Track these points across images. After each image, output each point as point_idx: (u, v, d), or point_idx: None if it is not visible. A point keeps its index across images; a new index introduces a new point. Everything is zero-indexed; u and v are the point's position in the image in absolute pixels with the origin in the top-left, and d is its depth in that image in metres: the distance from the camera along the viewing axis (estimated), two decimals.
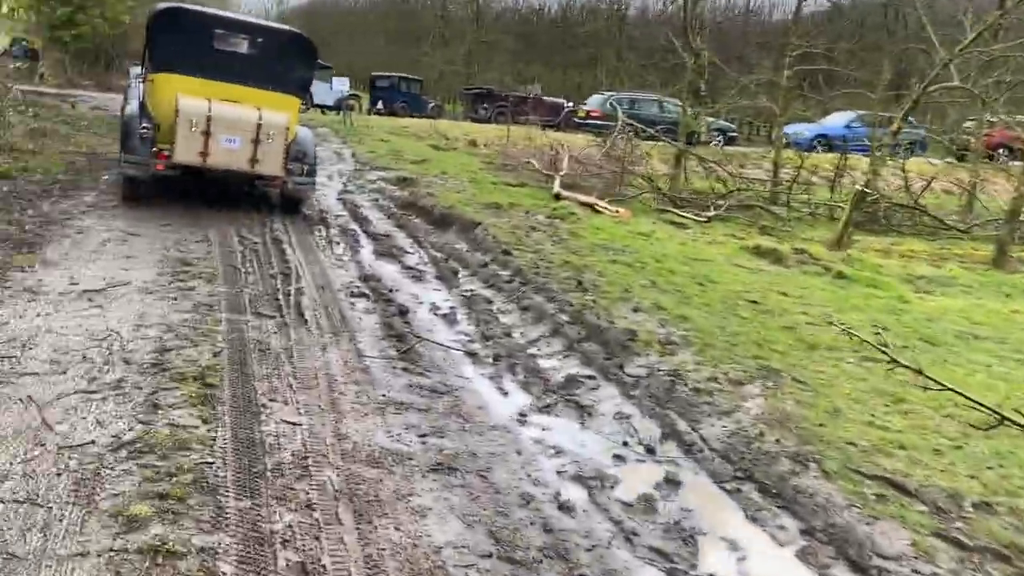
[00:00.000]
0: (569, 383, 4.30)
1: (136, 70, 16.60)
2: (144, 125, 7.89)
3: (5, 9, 28.32)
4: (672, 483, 3.33)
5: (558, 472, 3.39)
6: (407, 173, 12.31)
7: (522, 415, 3.94)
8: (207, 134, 7.57)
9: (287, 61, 8.34)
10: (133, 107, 8.29)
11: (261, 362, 4.22)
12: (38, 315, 4.58)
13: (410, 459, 3.34)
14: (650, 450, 3.64)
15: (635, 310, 5.29)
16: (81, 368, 3.88)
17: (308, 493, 2.98)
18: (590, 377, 4.39)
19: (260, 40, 8.22)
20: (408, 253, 7.32)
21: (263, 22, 8.15)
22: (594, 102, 25.72)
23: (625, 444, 3.68)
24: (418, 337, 4.90)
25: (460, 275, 6.52)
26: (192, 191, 8.69)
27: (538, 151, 17.88)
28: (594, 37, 36.81)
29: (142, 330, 4.49)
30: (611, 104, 24.50)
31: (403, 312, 5.32)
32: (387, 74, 31.44)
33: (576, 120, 26.31)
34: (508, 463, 3.42)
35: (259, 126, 7.72)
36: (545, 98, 30.61)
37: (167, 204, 8.32)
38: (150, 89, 8.26)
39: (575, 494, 3.20)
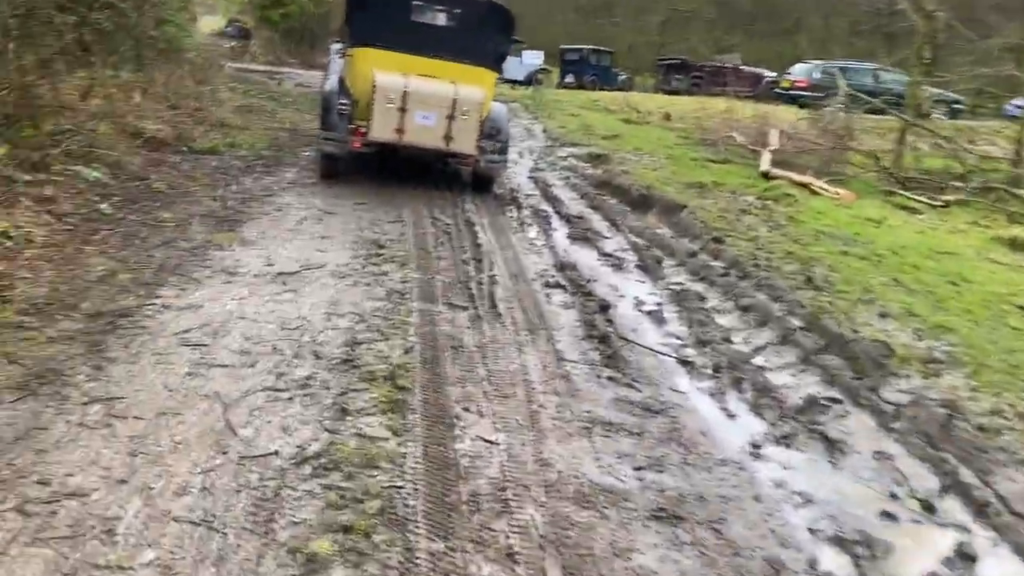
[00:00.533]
0: (810, 407, 3.59)
1: (336, 46, 17.06)
2: (342, 101, 7.79)
3: None
4: (966, 558, 2.59)
5: (810, 530, 2.73)
6: (599, 149, 11.73)
7: (755, 446, 3.29)
8: (403, 110, 7.35)
9: (484, 33, 7.96)
10: (332, 83, 8.23)
11: (454, 362, 3.83)
12: (232, 299, 4.44)
13: (626, 500, 2.80)
14: (928, 507, 2.89)
15: (882, 315, 4.45)
16: (270, 361, 3.65)
17: (508, 537, 2.52)
18: (836, 401, 3.65)
19: (458, 11, 7.89)
20: (605, 238, 6.77)
21: None
22: (800, 71, 23.89)
23: (893, 496, 2.95)
24: (623, 339, 4.34)
25: (665, 265, 5.88)
26: (388, 168, 8.57)
27: (739, 124, 16.73)
28: (799, 3, 34.37)
29: (334, 319, 4.23)
30: (824, 72, 22.68)
31: (604, 308, 4.77)
32: (576, 47, 30.86)
33: (778, 91, 24.61)
34: (745, 513, 2.80)
35: (454, 102, 7.40)
36: (743, 67, 28.92)
37: (363, 181, 8.24)
38: (349, 64, 8.17)
39: (837, 564, 2.54)
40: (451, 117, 7.43)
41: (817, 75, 22.99)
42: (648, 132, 14.98)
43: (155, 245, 5.36)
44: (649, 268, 5.76)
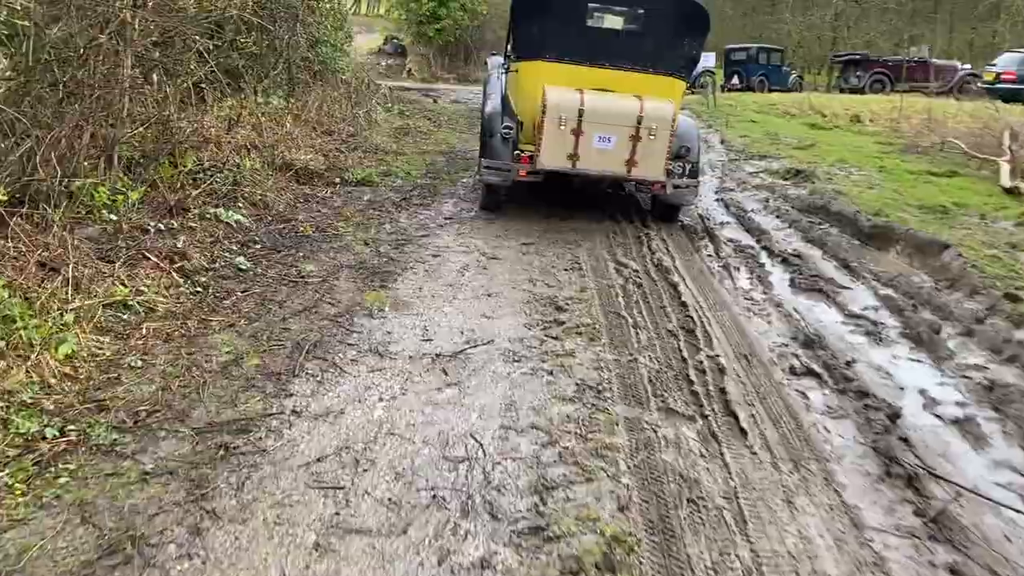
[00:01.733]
0: None
1: (495, 60, 16.19)
2: (506, 125, 6.73)
3: (383, 10, 30.28)
4: None
5: None
6: (795, 163, 10.13)
7: None
8: (578, 133, 6.18)
9: (674, 35, 6.66)
10: (494, 103, 7.19)
11: (695, 531, 2.58)
12: (381, 399, 3.39)
13: None
14: None
15: None
16: (429, 524, 2.53)
17: None
18: None
19: (642, 12, 6.64)
20: (842, 288, 5.30)
21: None
22: (1007, 61, 20.98)
23: None
24: (942, 479, 2.93)
25: (947, 335, 4.37)
26: (555, 195, 7.45)
27: (945, 126, 14.52)
28: None
29: (511, 438, 3.08)
30: None
31: (892, 417, 3.36)
32: (743, 45, 28.82)
33: (981, 85, 21.74)
34: None
35: (639, 120, 6.15)
36: (933, 60, 25.95)
37: (528, 213, 7.15)
38: (513, 81, 7.09)
39: None
40: (635, 138, 6.19)
41: None
42: (842, 139, 13.13)
43: (294, 311, 4.43)
44: (925, 340, 4.26)
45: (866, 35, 31.21)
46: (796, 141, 12.43)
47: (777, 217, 7.45)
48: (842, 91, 26.09)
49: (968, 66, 26.24)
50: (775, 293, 5.16)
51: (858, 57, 26.80)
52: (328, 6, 12.29)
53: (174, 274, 4.81)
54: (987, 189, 8.67)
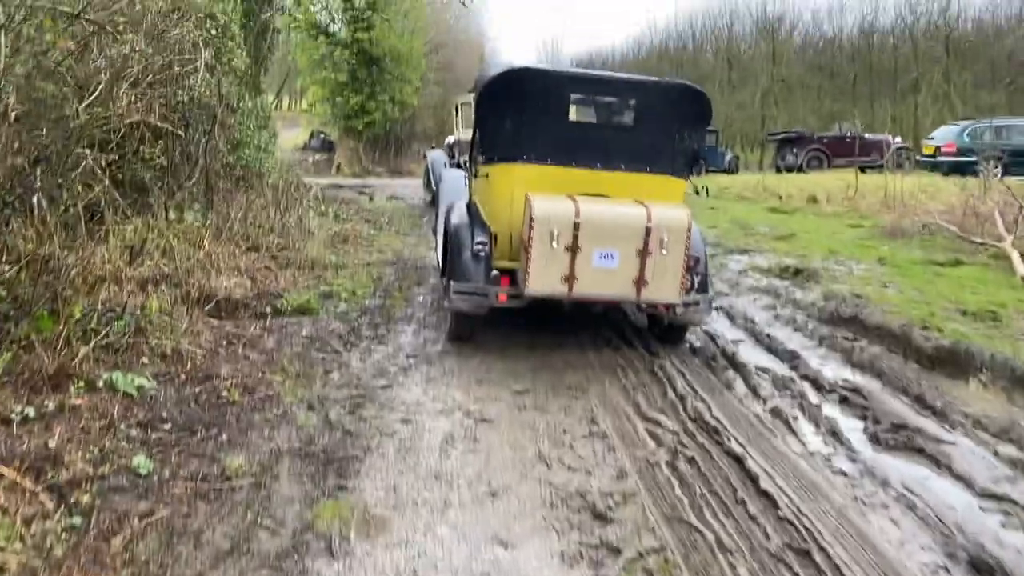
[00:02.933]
0: None
1: (435, 154, 15.18)
2: (478, 240, 5.48)
3: (305, 104, 29.24)
4: None
5: None
6: (783, 257, 9.14)
7: None
8: (574, 250, 4.95)
9: (672, 127, 5.59)
10: (459, 214, 5.94)
11: None
12: None
13: None
14: None
15: None
16: None
17: None
18: None
19: (634, 102, 5.55)
20: (941, 442, 4.09)
21: (637, 77, 5.45)
22: (946, 134, 20.98)
23: None
24: None
25: None
26: (531, 313, 6.17)
27: (909, 204, 13.99)
28: (912, 60, 31.59)
29: None
30: (974, 135, 19.79)
31: None
32: None
33: (920, 159, 21.70)
34: None
35: (648, 231, 4.96)
36: (865, 136, 26.10)
37: (505, 343, 5.86)
38: (483, 187, 5.88)
39: None
40: (644, 253, 4.99)
41: (967, 138, 20.06)
42: (812, 224, 12.33)
43: (215, 556, 2.98)
44: None
45: (794, 112, 31.55)
46: (769, 230, 11.55)
47: (799, 332, 6.31)
48: (779, 170, 25.97)
49: (899, 139, 26.48)
50: (865, 458, 3.92)
51: (794, 135, 26.82)
52: (250, 104, 11.03)
53: (41, 496, 3.32)
54: (1006, 280, 7.76)
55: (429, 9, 27.12)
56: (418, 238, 11.06)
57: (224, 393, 4.69)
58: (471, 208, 5.97)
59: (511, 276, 5.52)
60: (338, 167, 23.00)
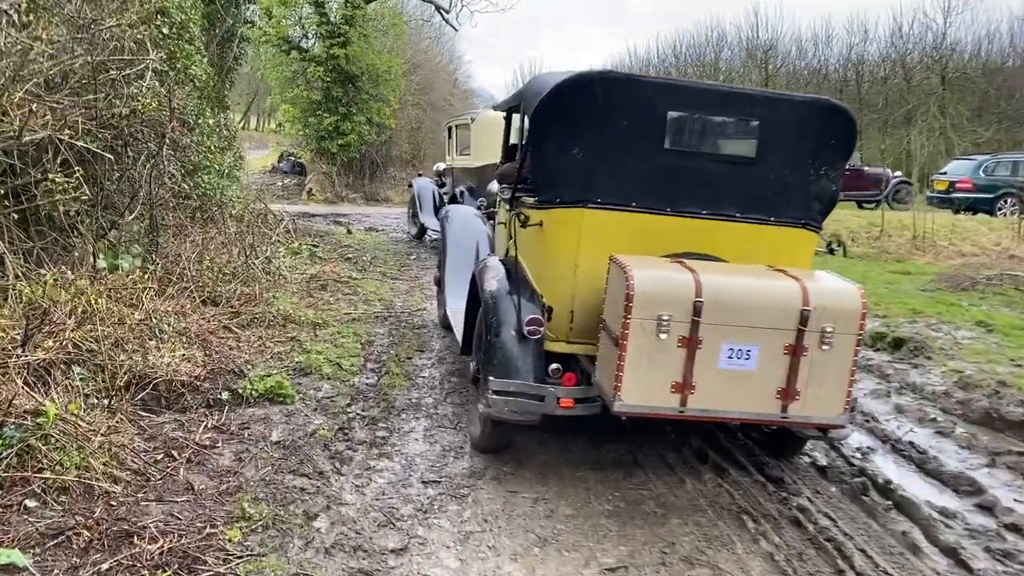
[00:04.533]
0: None
1: (421, 182, 13.45)
2: (529, 319, 3.78)
3: (275, 125, 27.36)
4: None
5: None
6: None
7: None
8: (692, 344, 3.26)
9: (808, 159, 3.97)
10: (497, 278, 4.23)
11: None
12: None
13: None
14: None
15: None
16: None
17: None
18: None
19: (758, 123, 3.91)
20: None
21: (763, 90, 3.78)
22: (960, 169, 19.79)
23: None
24: None
25: None
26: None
27: (936, 245, 12.66)
28: (906, 92, 30.67)
29: None
30: (988, 170, 18.66)
31: None
32: None
33: (933, 195, 20.47)
34: None
35: (804, 317, 3.29)
36: (866, 168, 24.89)
37: (555, 457, 4.16)
38: (530, 241, 4.16)
39: None
40: (797, 350, 3.31)
41: (983, 173, 18.88)
42: (860, 271, 10.80)
43: None
44: None
45: None
46: None
47: (947, 438, 4.68)
48: None
49: (899, 173, 25.36)
50: None
51: None
52: (211, 121, 9.25)
53: None
54: None
55: (407, 28, 25.56)
56: (409, 283, 9.32)
57: (145, 574, 2.91)
58: (511, 268, 4.26)
59: (573, 369, 3.85)
60: (309, 192, 21.16)
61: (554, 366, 3.83)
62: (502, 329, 3.94)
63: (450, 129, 12.02)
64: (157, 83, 6.75)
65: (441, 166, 13.08)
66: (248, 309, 6.82)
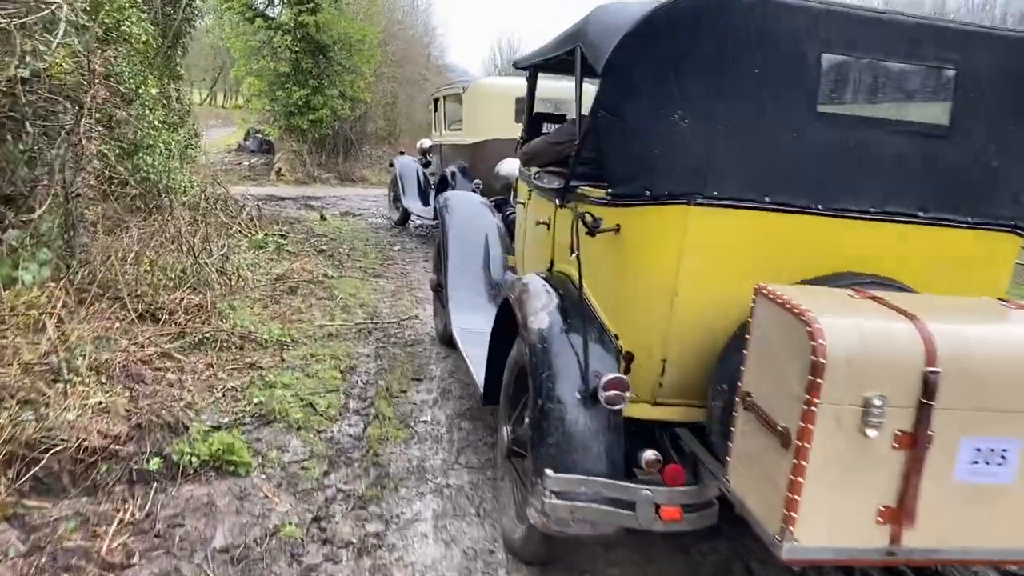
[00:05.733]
0: None
1: (404, 162, 11.87)
2: (609, 380, 2.41)
3: (242, 100, 25.67)
4: None
5: None
6: None
7: None
8: (919, 441, 1.88)
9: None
10: (545, 309, 2.80)
11: None
12: None
13: None
14: None
15: None
16: None
17: None
18: None
19: (955, 74, 2.51)
20: None
21: (962, 24, 2.31)
22: None
23: None
24: None
25: None
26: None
27: None
28: None
29: None
30: None
31: None
32: None
33: None
34: None
35: None
36: None
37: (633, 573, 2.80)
38: (600, 254, 2.73)
39: None
40: None
41: None
42: None
43: None
44: None
45: None
46: None
47: None
48: None
49: None
50: None
51: None
52: (155, 91, 7.70)
53: None
54: None
55: None
56: (395, 281, 7.89)
57: None
58: (566, 294, 2.86)
59: (670, 451, 2.50)
60: (278, 172, 19.55)
61: (649, 454, 2.46)
62: (560, 391, 2.56)
63: (436, 101, 10.54)
64: (74, 39, 5.27)
65: (426, 143, 11.59)
66: (196, 326, 5.39)
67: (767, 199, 2.46)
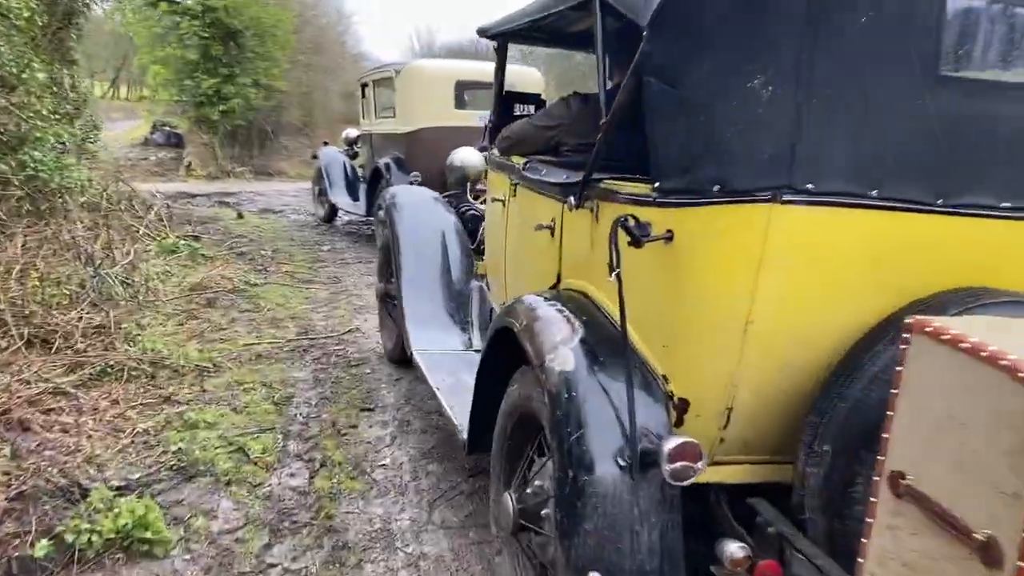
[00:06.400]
0: None
1: (329, 153, 10.90)
2: (677, 446, 1.73)
3: (146, 91, 23.98)
4: None
5: None
6: None
7: None
8: None
9: None
10: (574, 351, 2.10)
11: None
12: None
13: None
14: None
15: None
16: None
17: None
18: None
19: None
20: None
21: None
22: None
23: None
24: None
25: None
26: None
27: None
28: None
29: None
30: None
31: None
32: None
33: None
34: None
35: None
36: None
37: None
38: (646, 267, 2.03)
39: None
40: None
41: None
42: None
43: None
44: None
45: None
46: None
47: None
48: None
49: None
50: None
51: None
52: (41, 76, 6.69)
53: None
54: None
55: None
56: (329, 287, 7.09)
57: None
58: (587, 318, 2.17)
59: (745, 539, 1.84)
60: (188, 166, 18.27)
61: (735, 549, 1.81)
62: (598, 458, 1.91)
63: (365, 86, 9.68)
64: None
65: (352, 133, 10.75)
66: (98, 353, 4.51)
67: (875, 193, 1.83)
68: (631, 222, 1.91)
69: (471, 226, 4.72)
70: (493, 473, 2.64)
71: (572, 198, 2.32)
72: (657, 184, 1.92)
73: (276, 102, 21.36)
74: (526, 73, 8.54)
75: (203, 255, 7.53)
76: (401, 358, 4.76)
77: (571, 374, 2.02)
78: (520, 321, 2.28)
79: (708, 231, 1.87)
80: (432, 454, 3.72)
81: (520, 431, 2.47)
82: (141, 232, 7.63)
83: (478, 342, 3.94)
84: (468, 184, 5.05)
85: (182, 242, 7.70)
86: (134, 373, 4.40)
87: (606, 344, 2.09)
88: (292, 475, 3.47)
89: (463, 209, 4.89)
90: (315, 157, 10.93)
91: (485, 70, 9.40)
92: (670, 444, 1.79)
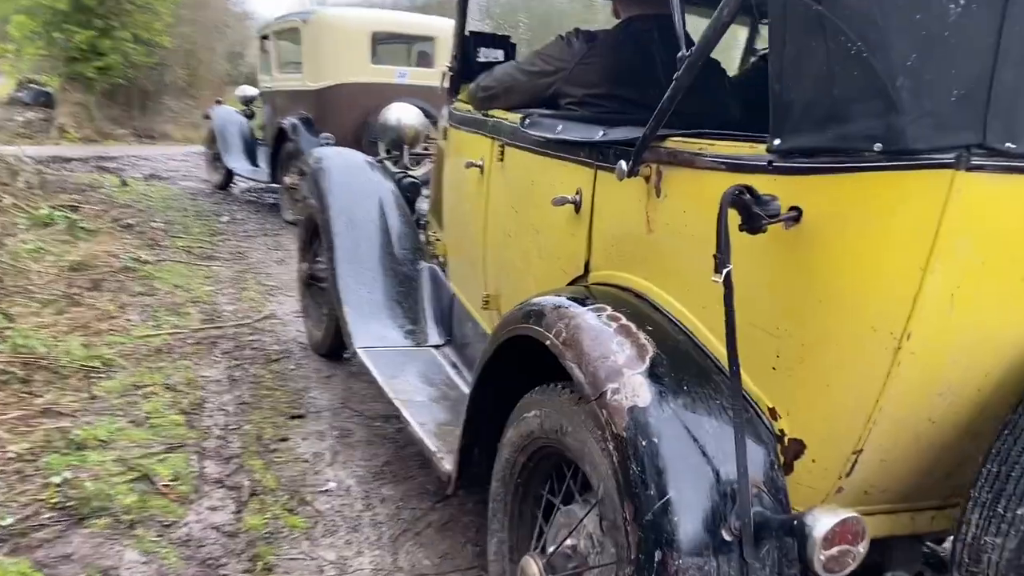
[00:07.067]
0: None
1: (223, 113, 9.67)
2: (844, 526, 1.12)
3: (10, 45, 21.84)
4: None
5: None
6: None
7: None
8: None
9: None
10: (648, 377, 1.51)
11: None
12: None
13: None
14: None
15: None
16: None
17: None
18: None
19: None
20: None
21: None
22: None
23: None
24: None
25: None
26: None
27: None
28: None
29: None
30: None
31: None
32: None
33: None
34: None
35: None
36: None
37: None
38: (757, 260, 1.44)
39: None
40: None
41: None
42: None
43: None
44: None
45: None
46: None
47: None
48: None
49: None
50: None
51: None
52: None
53: None
54: None
55: None
56: (234, 264, 6.27)
57: None
58: (652, 327, 1.57)
59: None
60: (60, 129, 16.60)
61: None
62: (691, 531, 1.35)
63: (265, 38, 8.72)
64: None
65: (249, 91, 9.77)
66: None
67: None
68: (748, 198, 1.32)
69: (408, 194, 4.07)
70: (493, 519, 2.04)
71: (623, 163, 1.70)
72: (777, 142, 1.34)
73: (158, 59, 19.80)
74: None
75: (83, 228, 6.53)
76: (330, 350, 4.10)
77: (647, 412, 1.44)
78: (555, 331, 1.66)
79: (855, 209, 1.31)
80: (385, 473, 3.09)
81: (537, 469, 1.88)
82: (7, 202, 6.58)
83: (434, 336, 3.32)
84: (405, 147, 4.36)
85: (57, 213, 6.67)
86: (1, 378, 3.56)
87: (688, 366, 1.51)
88: (214, 509, 2.77)
89: (399, 177, 4.21)
90: (207, 117, 9.87)
91: (404, 20, 8.61)
92: (824, 523, 1.24)
